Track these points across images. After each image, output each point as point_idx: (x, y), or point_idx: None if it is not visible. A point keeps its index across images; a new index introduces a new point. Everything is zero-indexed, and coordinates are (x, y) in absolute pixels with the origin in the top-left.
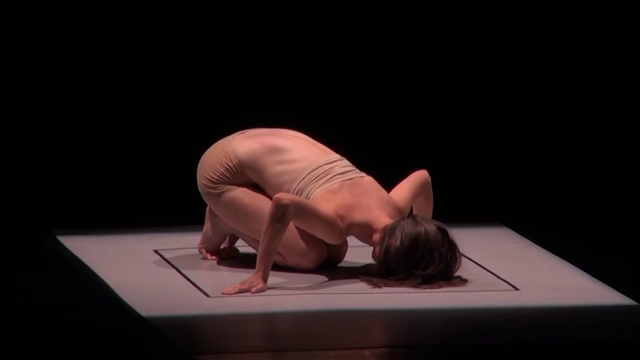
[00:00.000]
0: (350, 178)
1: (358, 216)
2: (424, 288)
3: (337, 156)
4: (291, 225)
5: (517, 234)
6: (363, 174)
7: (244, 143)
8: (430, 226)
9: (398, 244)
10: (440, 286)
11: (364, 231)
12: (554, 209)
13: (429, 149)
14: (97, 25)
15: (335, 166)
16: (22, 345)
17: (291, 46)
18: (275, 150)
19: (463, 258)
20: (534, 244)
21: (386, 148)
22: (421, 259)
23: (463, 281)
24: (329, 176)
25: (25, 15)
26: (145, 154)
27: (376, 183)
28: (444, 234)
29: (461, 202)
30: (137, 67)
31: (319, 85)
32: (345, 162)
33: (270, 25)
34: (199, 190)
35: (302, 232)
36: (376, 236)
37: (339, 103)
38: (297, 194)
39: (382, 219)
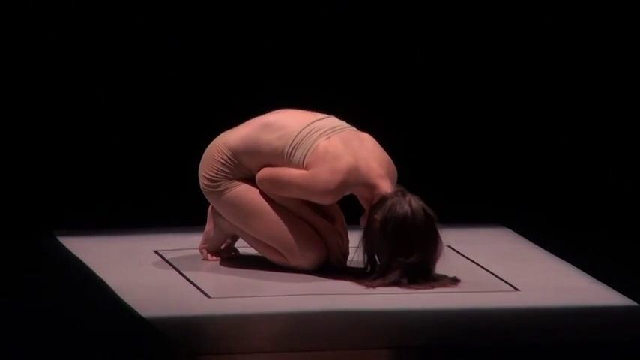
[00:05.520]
0: (342, 131)
1: (357, 175)
2: (416, 288)
3: (326, 115)
4: (292, 227)
5: (517, 234)
6: (360, 132)
7: (233, 133)
8: (418, 209)
9: (384, 222)
10: (432, 287)
11: (364, 193)
12: (554, 210)
13: (428, 150)
14: (98, 26)
15: (326, 123)
16: (22, 346)
17: (290, 47)
18: (264, 125)
19: (464, 258)
20: (534, 245)
21: (384, 147)
22: (403, 243)
23: (455, 281)
24: (321, 131)
25: (25, 15)
26: (145, 154)
27: (375, 141)
28: (430, 220)
29: (461, 202)
30: (138, 68)
31: (319, 84)
32: (335, 118)
33: (271, 25)
34: (202, 190)
35: (303, 233)
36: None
37: (338, 100)
38: (291, 156)
39: (383, 184)
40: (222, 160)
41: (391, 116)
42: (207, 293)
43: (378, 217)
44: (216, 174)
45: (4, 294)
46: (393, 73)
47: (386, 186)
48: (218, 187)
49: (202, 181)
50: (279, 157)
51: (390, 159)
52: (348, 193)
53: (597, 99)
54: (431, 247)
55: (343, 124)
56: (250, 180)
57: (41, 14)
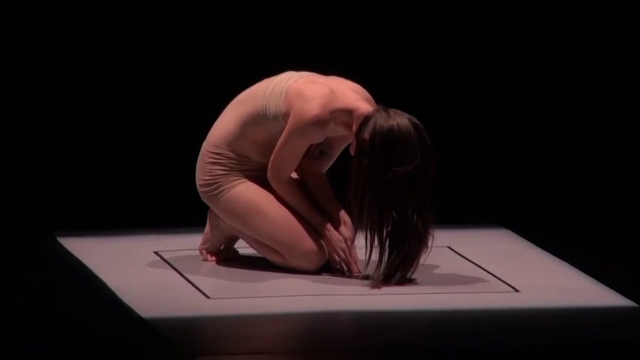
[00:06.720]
0: (307, 75)
1: (334, 99)
2: (404, 285)
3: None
4: (292, 227)
5: (517, 235)
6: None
7: (212, 130)
8: (403, 120)
9: (372, 138)
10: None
11: (345, 119)
12: (553, 210)
13: None
14: (97, 27)
15: (288, 74)
16: (22, 347)
17: (289, 46)
18: (234, 105)
19: (464, 259)
20: (534, 246)
21: None
22: (395, 155)
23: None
24: (286, 79)
25: (25, 15)
26: (145, 155)
27: (344, 78)
28: (417, 128)
29: (460, 203)
30: (137, 69)
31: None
32: (294, 71)
33: (272, 24)
34: (201, 198)
35: (304, 234)
36: (355, 127)
37: None
38: (267, 111)
39: (361, 105)
40: (212, 160)
41: None
42: (207, 294)
43: (365, 135)
44: (211, 176)
45: (4, 294)
46: (392, 74)
47: (365, 106)
48: (216, 189)
49: (200, 189)
50: (260, 118)
51: (363, 89)
52: (333, 127)
53: (596, 101)
54: (423, 157)
55: (306, 72)
56: (257, 172)
57: (39, 15)
